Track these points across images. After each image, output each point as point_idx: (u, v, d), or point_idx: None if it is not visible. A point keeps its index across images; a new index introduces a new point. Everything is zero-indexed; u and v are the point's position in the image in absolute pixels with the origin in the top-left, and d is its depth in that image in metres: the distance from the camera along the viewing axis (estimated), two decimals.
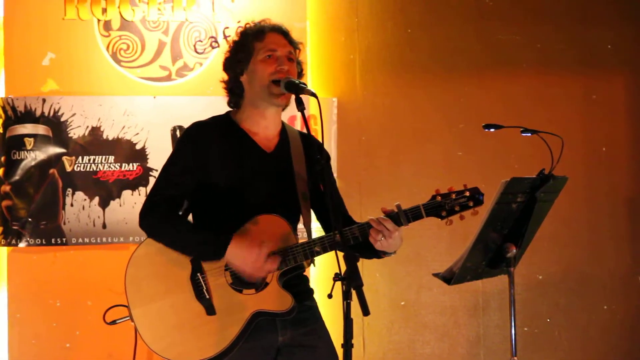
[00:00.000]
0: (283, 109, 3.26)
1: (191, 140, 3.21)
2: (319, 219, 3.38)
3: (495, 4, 5.62)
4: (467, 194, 3.11)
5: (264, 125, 3.26)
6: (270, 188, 3.21)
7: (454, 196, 3.11)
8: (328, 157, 3.38)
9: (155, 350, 3.06)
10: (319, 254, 3.09)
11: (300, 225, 3.26)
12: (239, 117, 3.27)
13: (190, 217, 3.30)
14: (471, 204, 3.11)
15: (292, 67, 3.21)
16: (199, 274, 3.09)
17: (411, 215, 3.08)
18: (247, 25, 3.30)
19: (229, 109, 3.34)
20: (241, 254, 3.03)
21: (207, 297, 3.08)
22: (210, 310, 3.07)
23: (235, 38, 3.31)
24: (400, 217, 3.07)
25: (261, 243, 3.04)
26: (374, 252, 3.15)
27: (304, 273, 3.27)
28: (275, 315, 3.10)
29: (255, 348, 3.11)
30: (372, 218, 3.08)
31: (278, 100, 3.17)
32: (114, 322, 3.23)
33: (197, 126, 3.23)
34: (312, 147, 3.25)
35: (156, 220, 3.15)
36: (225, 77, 3.32)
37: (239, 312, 3.07)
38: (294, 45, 3.26)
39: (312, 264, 3.16)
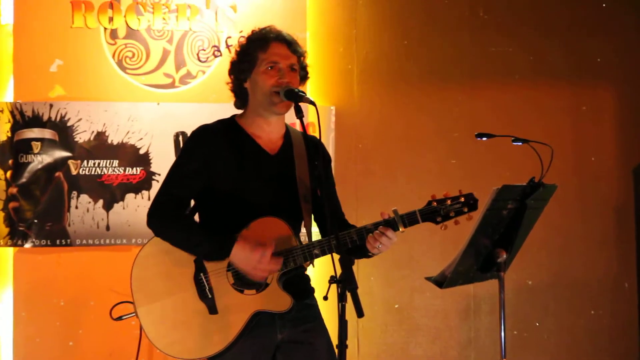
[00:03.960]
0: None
1: (198, 143, 3.21)
2: (316, 221, 3.36)
3: (489, 16, 5.62)
4: (462, 199, 3.11)
5: (268, 130, 3.26)
6: (273, 190, 3.20)
7: (449, 202, 3.11)
8: (329, 160, 3.40)
9: (158, 347, 3.09)
10: (317, 256, 3.09)
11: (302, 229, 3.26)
12: (243, 121, 3.27)
13: (196, 217, 3.29)
14: (466, 209, 3.11)
15: (294, 77, 3.20)
16: (201, 274, 3.10)
17: (408, 220, 3.08)
18: (253, 32, 3.27)
19: (231, 114, 3.33)
20: (245, 255, 3.04)
21: (210, 296, 3.09)
22: (212, 309, 3.08)
23: (240, 45, 3.28)
24: (398, 222, 3.07)
25: (264, 245, 3.04)
26: (364, 252, 3.14)
27: (305, 273, 3.27)
28: (275, 314, 3.12)
29: (255, 345, 3.13)
30: (372, 228, 3.09)
31: (278, 108, 3.16)
32: (120, 318, 3.25)
33: (204, 129, 3.23)
34: (314, 150, 3.25)
35: (163, 220, 3.15)
36: (230, 79, 3.30)
37: (240, 311, 3.09)
38: (297, 54, 3.23)
39: (311, 264, 3.15)
